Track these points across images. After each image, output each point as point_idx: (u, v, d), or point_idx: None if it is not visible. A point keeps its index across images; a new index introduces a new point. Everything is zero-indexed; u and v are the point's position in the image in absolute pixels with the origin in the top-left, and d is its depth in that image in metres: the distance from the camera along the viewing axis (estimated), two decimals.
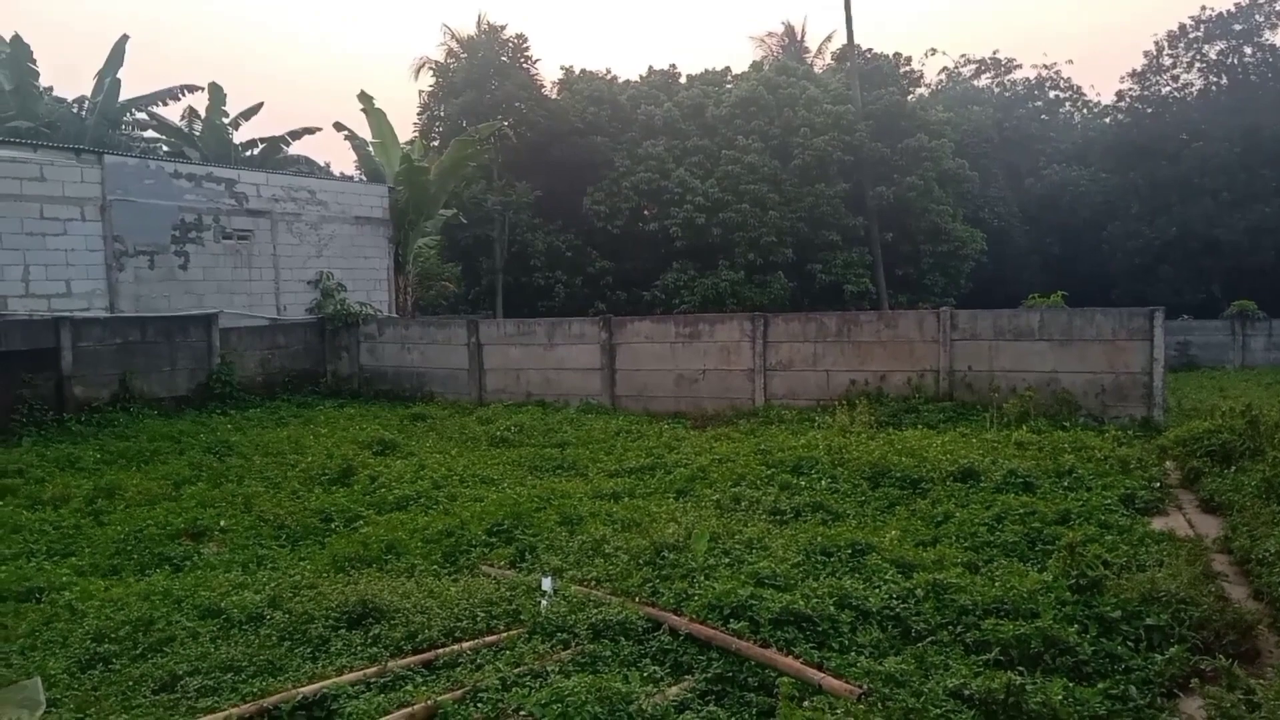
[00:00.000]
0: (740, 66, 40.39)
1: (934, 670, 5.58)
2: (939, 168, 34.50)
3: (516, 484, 11.24)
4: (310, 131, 32.18)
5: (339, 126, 30.22)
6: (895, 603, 6.57)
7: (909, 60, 41.30)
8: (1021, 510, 8.88)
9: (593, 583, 7.27)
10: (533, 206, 34.38)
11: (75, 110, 30.42)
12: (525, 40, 35.08)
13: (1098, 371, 15.13)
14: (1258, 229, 36.54)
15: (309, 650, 6.08)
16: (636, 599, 6.78)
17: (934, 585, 6.78)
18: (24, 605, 7.29)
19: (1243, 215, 36.87)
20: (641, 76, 38.83)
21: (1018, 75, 50.43)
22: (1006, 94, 49.40)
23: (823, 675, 5.42)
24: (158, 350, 18.11)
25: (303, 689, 5.33)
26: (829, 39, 44.32)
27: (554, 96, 36.22)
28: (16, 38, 27.33)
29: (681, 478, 11.10)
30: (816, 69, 42.01)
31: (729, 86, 37.20)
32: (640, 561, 7.53)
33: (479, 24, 35.28)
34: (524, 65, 35.05)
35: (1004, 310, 16.92)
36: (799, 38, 45.06)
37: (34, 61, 27.59)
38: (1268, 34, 40.74)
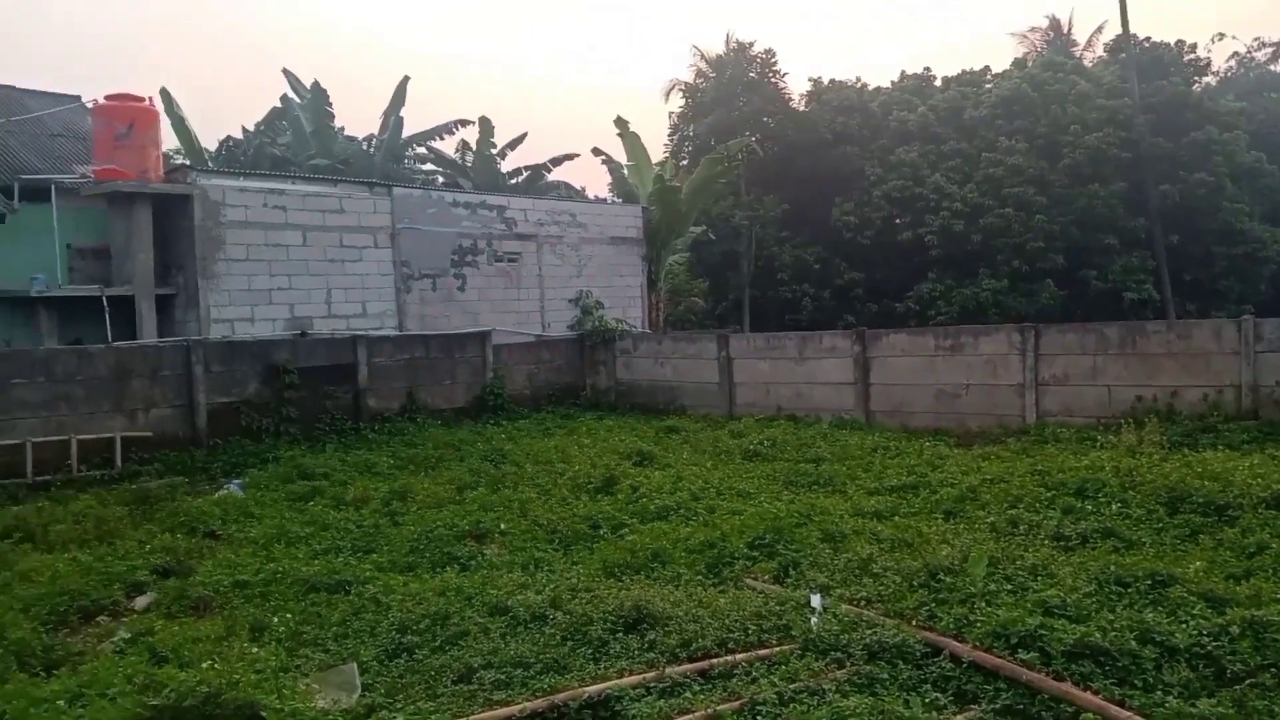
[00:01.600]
0: (1000, 65, 38.42)
1: (1257, 715, 5.00)
2: (1232, 163, 31.09)
3: (773, 498, 11.19)
4: (569, 158, 33.88)
5: (597, 151, 31.59)
6: (1206, 640, 5.95)
7: (1193, 47, 37.55)
8: None
9: (863, 602, 7.10)
10: (780, 220, 34.31)
11: (365, 147, 33.71)
12: (773, 55, 35.13)
13: None
14: None
15: (590, 651, 6.33)
16: (913, 622, 6.55)
17: (1251, 623, 6.08)
18: (334, 596, 8.06)
19: None
20: (893, 82, 37.81)
21: None
22: None
23: (1131, 715, 4.98)
24: (439, 365, 19.62)
25: (588, 688, 5.55)
26: (1099, 30, 41.18)
27: (802, 109, 36.00)
28: (316, 84, 30.72)
29: (949, 497, 10.62)
30: (1086, 62, 39.14)
31: (988, 86, 35.41)
32: (914, 583, 7.27)
33: (727, 43, 35.73)
34: (772, 80, 35.10)
35: None
36: (1065, 31, 42.24)
37: (330, 105, 30.88)
38: None
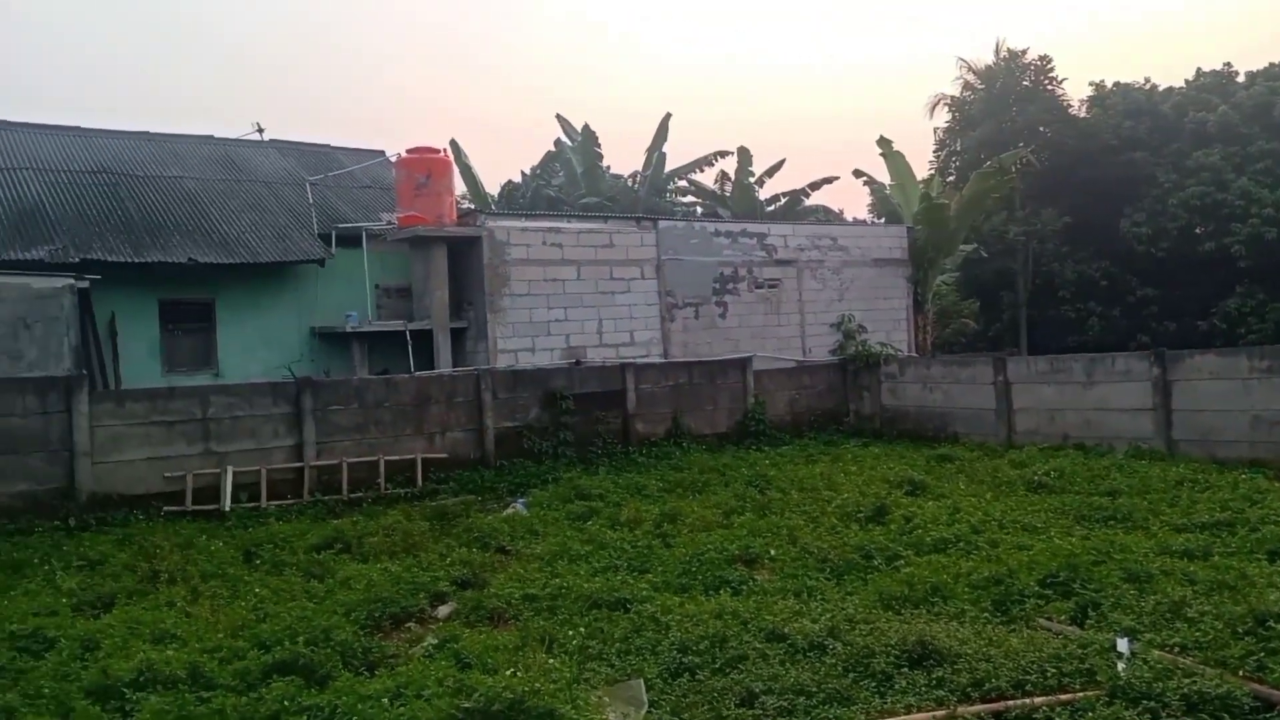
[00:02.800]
0: None
1: None
2: None
3: (1064, 534, 10.41)
4: (828, 181, 33.60)
5: (858, 173, 31.16)
6: None
7: None
8: None
9: (1177, 649, 6.45)
10: (1059, 234, 32.14)
11: (630, 184, 35.14)
12: (1049, 61, 33.19)
13: None
14: None
15: (873, 684, 6.17)
16: (1239, 672, 5.88)
17: None
18: (615, 613, 8.34)
19: None
20: (1188, 81, 34.48)
21: None
22: None
23: None
24: (701, 391, 19.98)
25: None
26: None
27: (1083, 115, 33.64)
28: (586, 128, 32.46)
29: (1273, 536, 9.44)
30: None
31: None
32: (1238, 630, 6.52)
33: (997, 51, 34.14)
34: (1048, 87, 33.11)
35: None
36: None
37: (598, 146, 32.51)
38: None
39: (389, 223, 19.90)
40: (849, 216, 46.16)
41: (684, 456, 17.86)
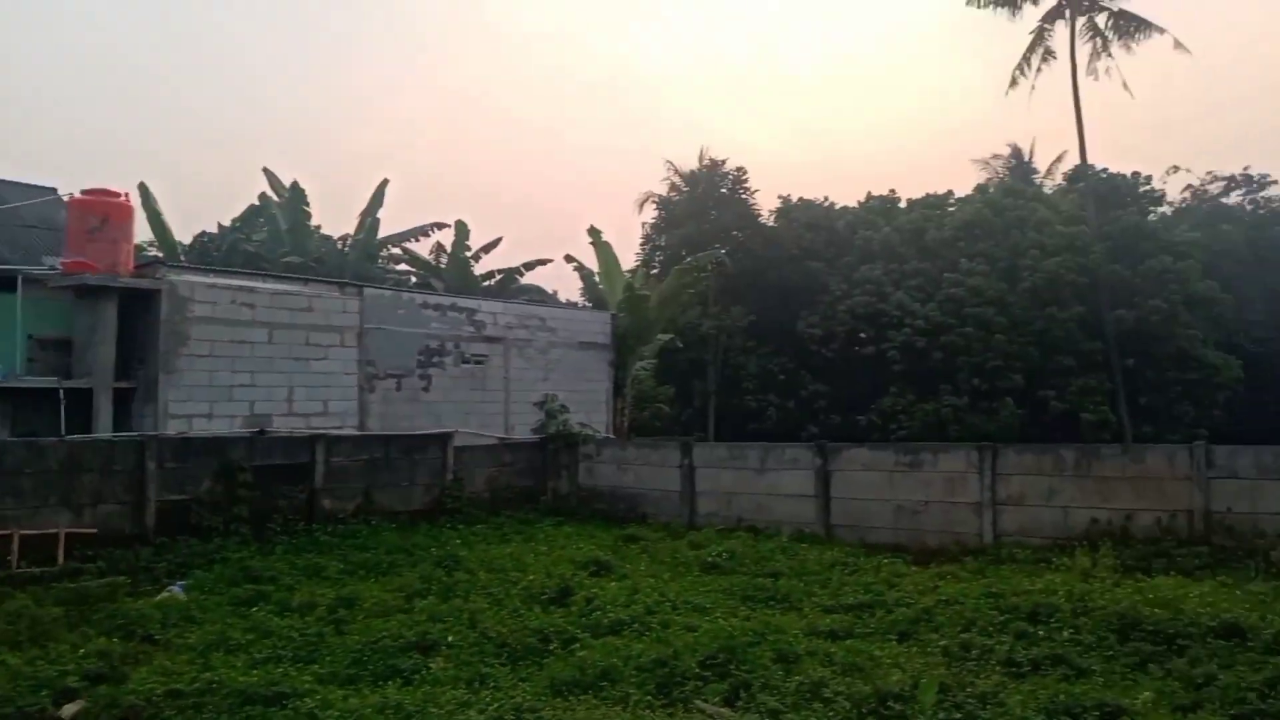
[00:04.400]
0: (963, 190, 39.84)
1: None
2: (1186, 290, 32.17)
3: (729, 614, 11.06)
4: (542, 263, 34.38)
5: (569, 258, 32.12)
6: None
7: (1148, 179, 39.30)
8: None
9: None
10: (746, 330, 34.82)
11: (339, 246, 34.05)
12: (744, 173, 36.32)
13: None
14: None
15: None
16: None
17: None
18: (270, 710, 7.78)
19: None
20: (859, 202, 39.04)
21: (1273, 192, 46.53)
22: (1261, 211, 45.64)
23: None
24: (398, 466, 19.42)
25: None
26: (1059, 159, 42.99)
27: (771, 224, 36.99)
28: (295, 184, 31.21)
29: (904, 618, 10.57)
30: (1046, 190, 40.73)
31: (951, 209, 36.71)
32: (863, 710, 7.18)
33: (701, 159, 36.89)
34: (743, 195, 36.15)
35: (1268, 447, 15.24)
36: (1026, 158, 44.05)
37: (308, 205, 31.32)
38: None
39: (52, 267, 17.86)
40: (563, 298, 47.56)
41: (373, 535, 17.17)
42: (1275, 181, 46.43)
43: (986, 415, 31.02)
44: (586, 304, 33.53)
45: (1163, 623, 9.52)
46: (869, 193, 39.35)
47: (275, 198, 32.12)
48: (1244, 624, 9.35)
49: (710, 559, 14.86)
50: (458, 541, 16.80)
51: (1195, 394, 32.52)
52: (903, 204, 38.49)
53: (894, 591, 12.16)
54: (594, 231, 29.50)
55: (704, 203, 35.36)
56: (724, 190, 35.99)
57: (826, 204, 38.75)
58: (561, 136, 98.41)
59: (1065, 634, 9.54)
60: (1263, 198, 46.65)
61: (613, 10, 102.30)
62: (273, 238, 31.11)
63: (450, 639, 10.05)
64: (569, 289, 47.84)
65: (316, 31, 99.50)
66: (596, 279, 31.22)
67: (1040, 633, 9.62)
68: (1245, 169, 47.55)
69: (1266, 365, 36.75)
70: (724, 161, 36.64)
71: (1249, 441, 16.85)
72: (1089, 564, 13.05)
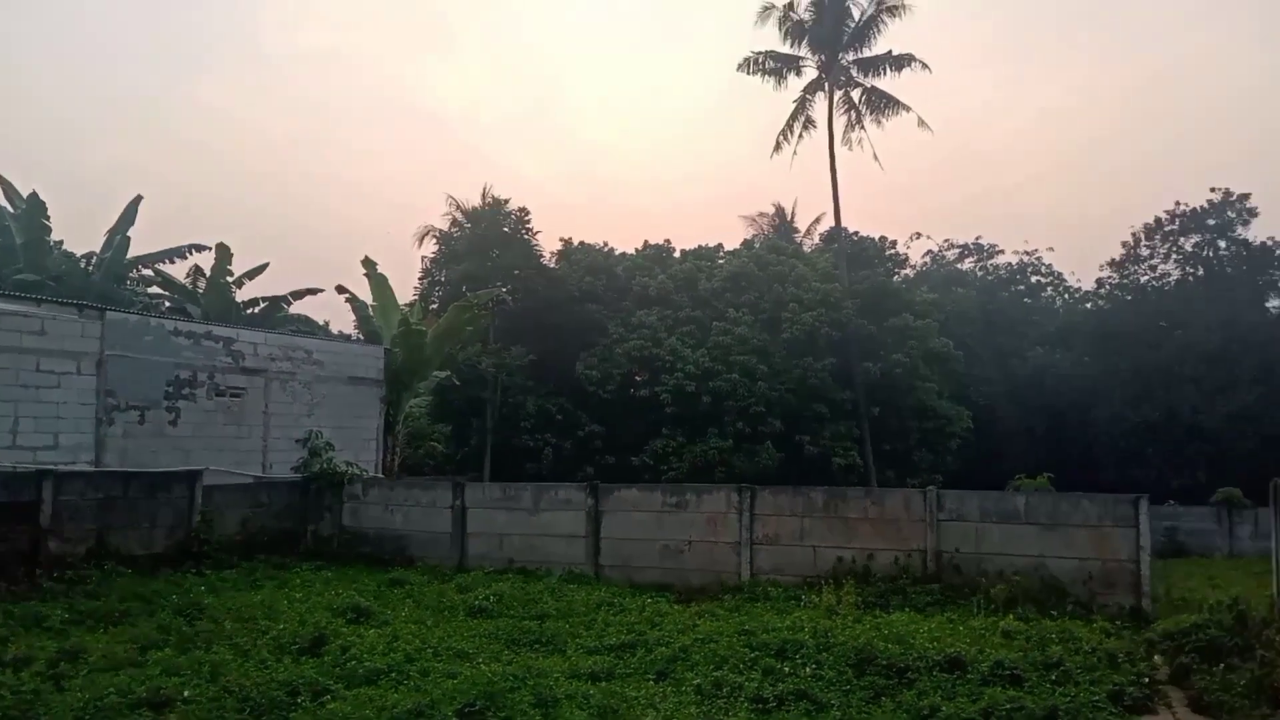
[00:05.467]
0: (732, 243, 42.05)
1: None
2: (925, 346, 35.31)
3: (492, 659, 10.93)
4: (312, 292, 32.99)
5: (340, 289, 30.97)
6: None
7: (894, 243, 43.03)
8: (1009, 705, 8.68)
9: None
10: (526, 370, 34.88)
11: (83, 265, 31.22)
12: (528, 213, 36.56)
13: (1085, 558, 15.02)
14: (1239, 416, 37.08)
15: None
16: None
17: None
18: None
19: (1224, 402, 37.52)
20: (637, 249, 40.25)
21: (1000, 260, 52.34)
22: (990, 278, 51.10)
23: None
24: (139, 507, 17.90)
25: None
26: (818, 220, 46.26)
27: (553, 266, 37.41)
28: (33, 195, 28.42)
29: (662, 657, 10.84)
30: (805, 248, 43.65)
31: (721, 261, 38.57)
32: None
33: (484, 196, 36.81)
34: (525, 235, 36.36)
35: (991, 492, 16.95)
36: (789, 218, 47.05)
37: (47, 218, 28.55)
38: (1240, 229, 42.63)
39: None
40: (335, 329, 45.77)
41: (105, 581, 15.67)
42: (1002, 251, 52.28)
43: (749, 458, 32.58)
44: (359, 337, 32.45)
45: (895, 657, 10.30)
46: (646, 241, 40.74)
47: (9, 208, 29.07)
48: (965, 658, 10.27)
49: (478, 602, 14.64)
50: (203, 588, 15.66)
51: (931, 442, 35.63)
52: (677, 253, 40.07)
53: (655, 631, 12.45)
54: (369, 263, 28.71)
55: (486, 240, 35.28)
56: (507, 229, 36.08)
57: (607, 249, 39.71)
58: (338, 163, 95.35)
59: (809, 670, 10.13)
60: (991, 265, 52.29)
61: (399, 37, 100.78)
62: (5, 253, 28.10)
63: (187, 694, 9.33)
64: (342, 321, 46.12)
65: (70, 32, 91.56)
66: (370, 311, 30.33)
67: (786, 669, 10.16)
68: (977, 239, 53.27)
69: (992, 416, 40.91)
70: (507, 200, 36.82)
71: (977, 486, 18.67)
72: (834, 601, 13.92)
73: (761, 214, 47.64)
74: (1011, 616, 12.80)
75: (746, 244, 41.90)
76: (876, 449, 34.95)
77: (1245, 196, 42.12)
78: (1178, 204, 43.33)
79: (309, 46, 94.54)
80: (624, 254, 39.84)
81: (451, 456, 36.03)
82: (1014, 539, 15.55)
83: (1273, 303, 43.73)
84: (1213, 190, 42.63)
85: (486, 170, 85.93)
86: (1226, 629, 10.78)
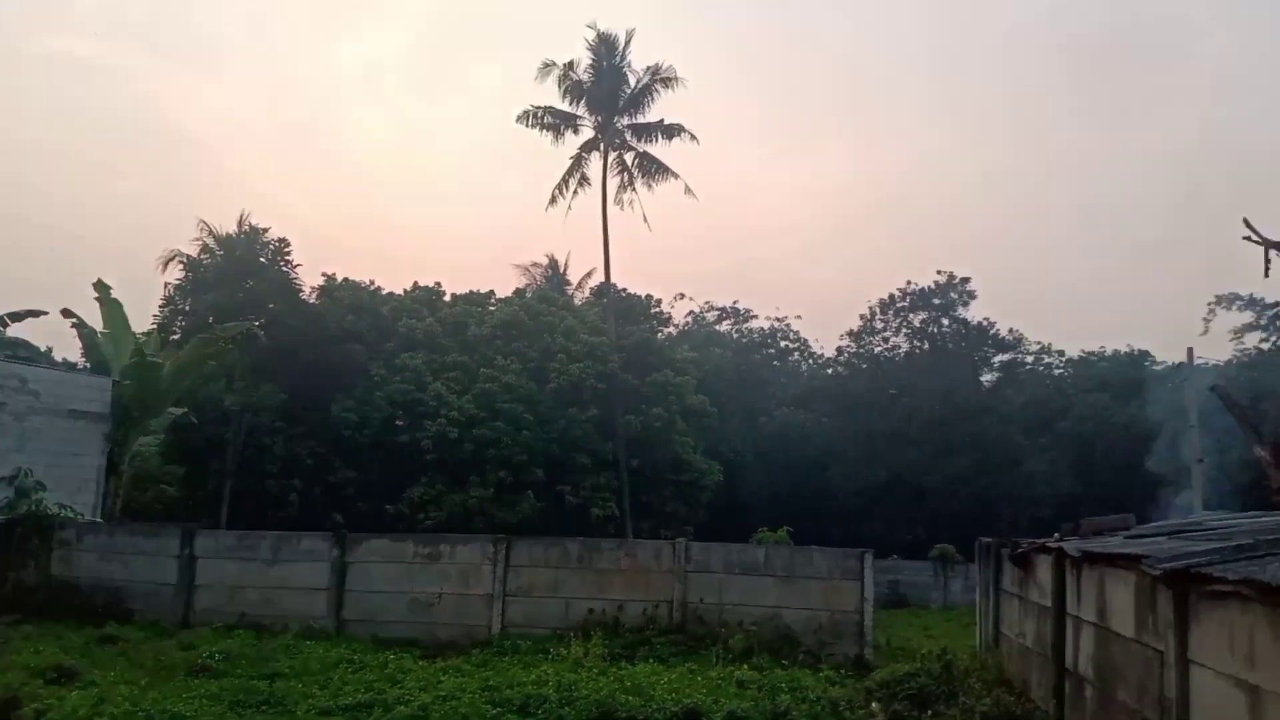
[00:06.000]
0: (504, 290, 42.03)
1: None
2: (683, 402, 36.64)
3: None
4: (35, 314, 29.69)
5: (67, 313, 28.09)
6: None
7: (659, 302, 44.64)
8: None
9: None
10: (276, 410, 32.99)
11: None
12: (288, 244, 34.86)
13: (816, 609, 16.00)
14: (955, 478, 41.01)
15: None
16: None
17: None
18: None
19: (943, 465, 41.38)
20: (406, 290, 39.36)
21: (754, 324, 55.50)
22: (744, 340, 54.03)
23: None
24: None
25: None
26: (589, 275, 47.14)
27: (313, 301, 35.83)
28: None
29: (401, 717, 10.48)
30: (576, 301, 44.36)
31: (492, 308, 38.45)
32: None
33: (240, 223, 34.77)
34: (284, 268, 34.63)
35: (734, 544, 17.76)
36: (561, 270, 47.70)
37: None
38: (961, 309, 47.54)
39: None
40: (60, 357, 41.45)
41: None
42: (756, 316, 55.47)
43: (510, 508, 32.34)
44: (86, 366, 29.54)
45: (635, 709, 10.49)
46: (416, 282, 39.95)
47: None
48: (701, 708, 10.62)
49: (202, 661, 13.56)
50: None
51: (685, 494, 36.87)
52: (447, 297, 39.56)
53: (396, 689, 12.02)
54: (101, 286, 26.34)
55: (240, 269, 33.24)
56: (263, 259, 34.20)
57: (373, 287, 38.57)
58: (79, 178, 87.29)
59: None
60: (746, 328, 55.35)
61: (162, 54, 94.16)
62: None
63: None
64: (67, 348, 41.83)
65: None
66: (99, 339, 27.72)
67: None
68: (735, 303, 56.27)
69: (741, 471, 42.94)
70: (267, 229, 34.97)
71: (726, 538, 19.52)
72: (582, 653, 14.02)
73: (535, 264, 48.07)
74: (747, 666, 13.38)
75: (519, 292, 42.03)
76: (634, 500, 35.72)
77: (966, 280, 47.17)
78: (909, 283, 47.86)
79: (62, 51, 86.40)
80: (391, 294, 38.81)
81: (185, 501, 33.30)
82: (754, 590, 16.34)
83: (986, 376, 49.06)
84: (939, 273, 47.46)
85: (247, 198, 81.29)
86: (935, 677, 11.77)
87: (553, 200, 37.91)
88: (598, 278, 44.06)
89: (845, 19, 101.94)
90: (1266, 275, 19.35)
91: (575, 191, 37.85)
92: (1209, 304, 43.45)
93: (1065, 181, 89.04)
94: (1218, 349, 44.99)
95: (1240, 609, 6.01)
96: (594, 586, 16.92)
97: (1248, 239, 18.91)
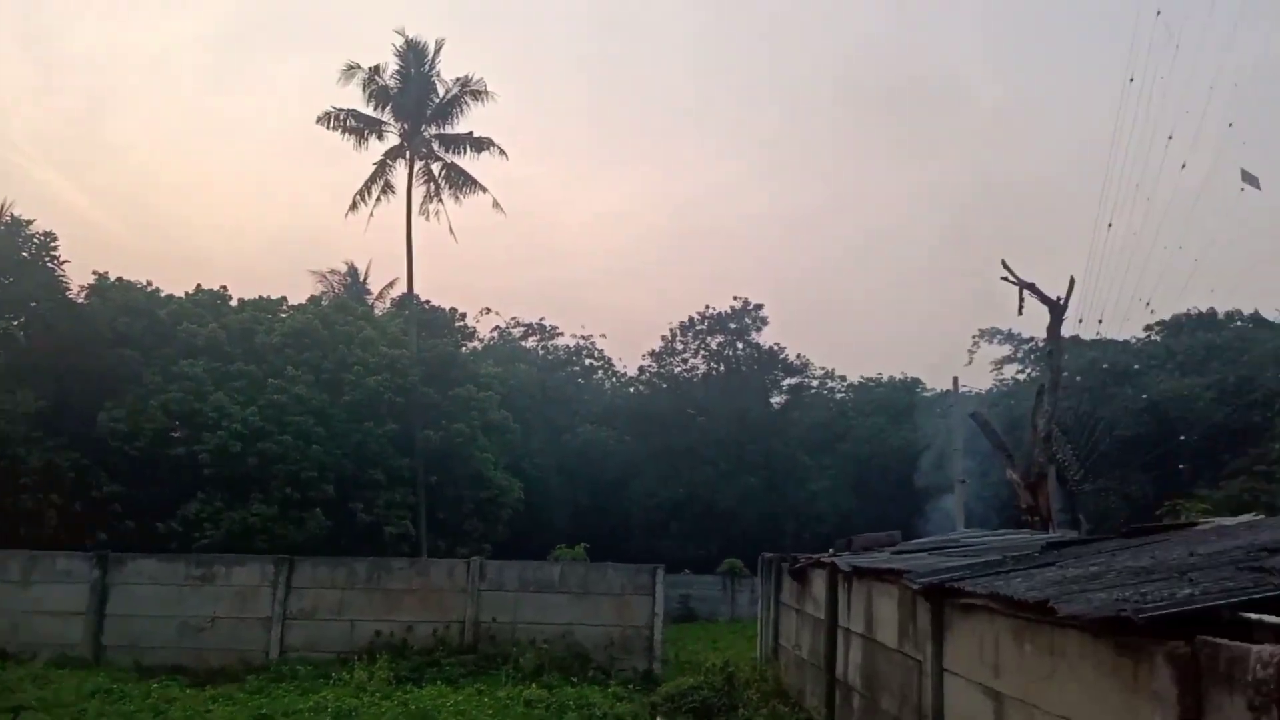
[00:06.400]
0: (297, 298, 40.17)
1: None
2: (485, 417, 36.25)
3: None
4: None
5: None
6: None
7: (464, 315, 44.03)
8: None
9: None
10: (33, 418, 30.06)
11: None
12: (55, 239, 31.98)
13: (609, 625, 16.22)
14: (745, 496, 42.68)
15: None
16: None
17: None
18: None
19: (734, 483, 42.98)
20: (188, 293, 36.91)
21: (560, 341, 55.75)
22: (550, 357, 54.17)
23: None
24: None
25: None
26: (391, 285, 45.91)
27: (81, 301, 32.99)
28: None
29: None
30: (377, 311, 43.07)
31: (283, 316, 36.66)
32: None
33: (1, 213, 31.61)
34: (49, 264, 31.74)
35: (530, 562, 17.76)
36: (361, 279, 46.24)
37: None
38: (755, 334, 49.67)
39: None
40: None
41: None
42: (562, 334, 55.75)
43: (296, 526, 30.85)
44: None
45: None
46: (199, 285, 37.53)
47: None
48: None
49: None
50: None
51: (485, 511, 36.45)
52: (234, 301, 37.40)
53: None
54: None
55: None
56: (26, 254, 31.21)
57: (151, 288, 35.92)
58: None
59: None
60: (552, 345, 55.53)
61: None
62: None
63: None
64: None
65: None
66: None
67: None
68: (541, 319, 56.32)
69: (544, 487, 42.94)
70: (31, 221, 31.96)
71: (527, 555, 19.44)
72: (366, 677, 13.58)
73: (333, 271, 46.31)
74: (536, 685, 13.38)
75: (314, 300, 40.30)
76: (431, 518, 34.92)
77: (759, 306, 49.37)
78: (707, 307, 49.57)
79: None
80: (171, 296, 36.24)
81: None
82: (548, 608, 16.38)
83: (776, 398, 51.43)
84: (735, 299, 49.47)
85: (11, 187, 73.71)
86: (717, 690, 12.21)
87: (354, 206, 36.73)
88: (400, 288, 43.01)
89: (656, 50, 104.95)
90: (1020, 313, 21.49)
91: (378, 199, 36.83)
92: (974, 337, 47.65)
93: (851, 216, 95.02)
94: (981, 378, 49.29)
95: (988, 621, 6.60)
96: (382, 607, 16.45)
97: (1005, 279, 21.01)
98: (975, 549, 10.72)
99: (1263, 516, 9.17)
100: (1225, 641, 4.09)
